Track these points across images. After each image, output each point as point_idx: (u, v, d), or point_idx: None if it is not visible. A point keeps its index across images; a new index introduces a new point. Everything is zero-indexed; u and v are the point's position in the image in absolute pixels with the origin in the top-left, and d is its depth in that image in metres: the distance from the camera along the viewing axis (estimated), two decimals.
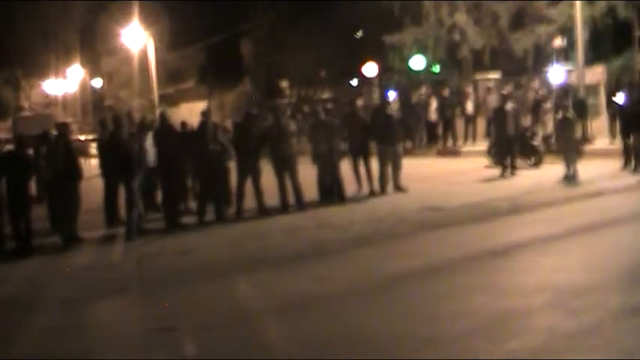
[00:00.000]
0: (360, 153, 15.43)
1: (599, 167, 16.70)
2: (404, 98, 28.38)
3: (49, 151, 13.18)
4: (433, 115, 25.19)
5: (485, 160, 19.04)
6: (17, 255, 11.89)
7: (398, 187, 15.61)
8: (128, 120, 14.11)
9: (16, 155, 12.86)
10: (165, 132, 13.97)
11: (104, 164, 14.01)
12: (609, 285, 7.84)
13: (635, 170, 15.80)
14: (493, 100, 22.21)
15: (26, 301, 8.93)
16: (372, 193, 15.29)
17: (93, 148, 34.30)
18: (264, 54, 41.64)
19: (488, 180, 16.80)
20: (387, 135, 15.50)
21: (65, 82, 60.41)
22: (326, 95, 38.48)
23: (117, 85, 50.78)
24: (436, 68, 30.84)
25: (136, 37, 39.90)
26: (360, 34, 37.60)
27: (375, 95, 31.46)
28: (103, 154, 14.32)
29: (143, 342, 7.03)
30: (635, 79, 20.12)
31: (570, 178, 15.17)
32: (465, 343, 6.35)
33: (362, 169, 15.48)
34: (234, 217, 13.80)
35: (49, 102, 63.46)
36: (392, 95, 29.92)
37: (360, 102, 19.90)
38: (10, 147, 13.69)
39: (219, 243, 11.68)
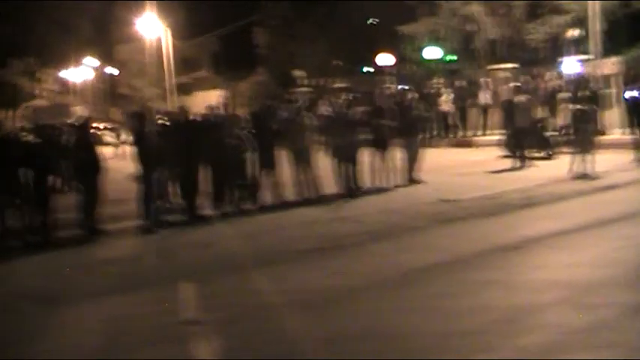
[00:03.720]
0: (381, 145, 15.58)
1: (612, 159, 16.78)
2: (417, 88, 28.49)
3: (69, 145, 13.40)
4: (447, 105, 25.30)
5: (499, 151, 19.17)
6: (39, 248, 12.11)
7: (414, 179, 15.81)
8: (150, 114, 14.27)
9: (37, 146, 13.03)
10: (186, 125, 14.18)
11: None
12: (620, 281, 7.98)
13: None
14: (506, 91, 22.30)
15: (49, 295, 9.12)
16: (394, 186, 15.42)
17: (108, 137, 34.68)
18: (278, 43, 41.75)
19: (502, 172, 16.96)
20: (406, 126, 15.69)
21: (80, 71, 60.75)
22: (341, 84, 38.59)
23: (131, 73, 51.06)
24: (451, 58, 30.92)
25: (151, 26, 40.13)
26: (373, 21, 37.65)
27: (392, 85, 31.56)
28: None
29: (167, 335, 7.24)
30: None
31: (583, 172, 15.25)
32: (479, 337, 6.52)
33: (381, 161, 15.62)
34: (251, 210, 14.00)
35: (64, 90, 63.86)
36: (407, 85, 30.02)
37: (379, 92, 20.01)
38: (28, 137, 13.77)
39: (238, 236, 11.88)
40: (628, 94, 18.33)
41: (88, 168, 12.89)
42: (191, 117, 14.77)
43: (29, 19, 51.26)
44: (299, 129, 14.68)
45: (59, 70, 62.14)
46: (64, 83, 64.40)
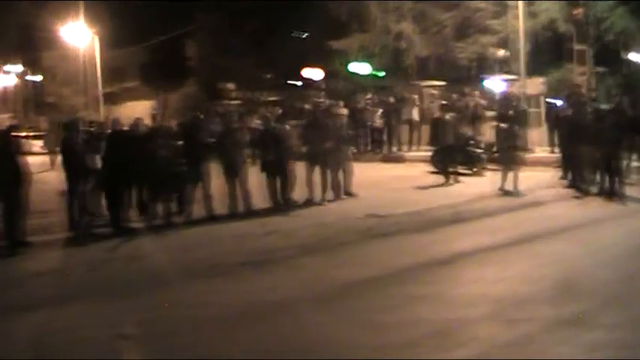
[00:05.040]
0: (316, 159, 15.63)
1: (538, 177, 17.23)
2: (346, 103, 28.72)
3: None
4: (377, 120, 25.55)
5: (427, 167, 19.49)
6: None
7: (348, 193, 15.95)
8: (78, 124, 14.05)
9: None
10: (117, 137, 14.02)
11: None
12: (545, 296, 8.25)
13: (573, 181, 16.28)
14: (435, 109, 22.70)
15: None
16: (325, 200, 15.52)
17: (35, 146, 33.95)
18: (209, 55, 41.56)
19: (432, 187, 17.24)
20: (338, 140, 15.82)
21: (3, 78, 59.30)
22: (271, 98, 38.62)
23: (58, 81, 50.10)
24: (380, 74, 31.28)
25: (80, 34, 39.52)
26: (300, 34, 37.82)
27: (324, 100, 31.80)
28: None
29: (97, 349, 7.13)
30: (577, 92, 20.74)
31: (509, 189, 15.60)
32: (412, 350, 6.65)
33: (312, 175, 15.68)
34: (183, 222, 13.90)
35: None
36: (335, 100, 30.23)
37: (313, 106, 20.13)
38: None
39: (169, 249, 11.78)
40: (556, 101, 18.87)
41: (11, 178, 12.55)
42: (120, 128, 14.58)
43: None
44: (230, 142, 14.66)
45: None
46: None
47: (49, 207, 14.32)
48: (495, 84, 25.68)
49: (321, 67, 34.99)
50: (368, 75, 30.98)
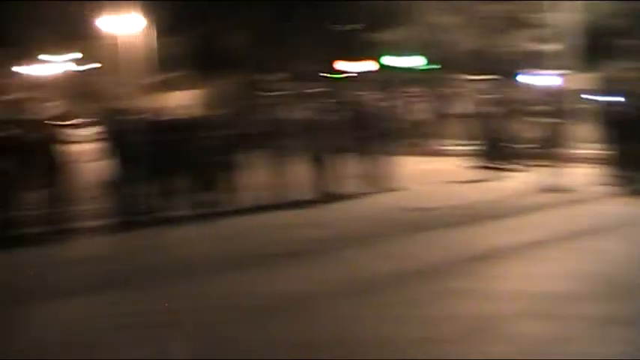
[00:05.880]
0: (360, 151, 15.54)
1: (584, 173, 16.93)
2: (394, 96, 28.59)
3: (39, 140, 13.19)
4: (422, 114, 25.38)
5: (472, 161, 19.29)
6: (3, 244, 11.84)
7: (390, 186, 15.89)
8: (128, 112, 14.14)
9: (8, 140, 12.79)
10: (164, 125, 14.12)
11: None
12: (589, 294, 8.10)
13: (620, 178, 15.97)
14: (480, 103, 22.44)
15: (14, 292, 8.98)
16: (365, 192, 15.47)
17: (81, 133, 34.40)
18: (256, 45, 41.70)
19: (475, 182, 17.05)
20: (383, 133, 15.78)
21: (54, 66, 60.24)
22: (316, 89, 38.60)
23: (108, 70, 50.68)
24: (425, 67, 31.09)
25: (129, 23, 39.89)
26: (353, 27, 37.74)
27: (370, 92, 31.66)
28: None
29: (133, 336, 7.18)
30: (631, 88, 20.30)
31: (554, 185, 15.39)
32: (450, 345, 6.58)
33: (356, 167, 15.65)
34: (226, 212, 13.93)
35: (37, 85, 63.30)
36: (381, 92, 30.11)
37: (358, 98, 20.09)
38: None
39: (211, 238, 11.84)
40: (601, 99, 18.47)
41: (55, 165, 12.73)
42: (169, 116, 14.65)
43: (6, 12, 50.76)
44: (276, 132, 14.68)
45: (31, 64, 61.55)
46: (37, 78, 63.83)
47: (93, 194, 14.47)
48: (543, 79, 25.30)
49: (366, 59, 34.88)
50: (414, 68, 30.80)
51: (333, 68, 38.37)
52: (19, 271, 10.11)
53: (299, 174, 15.02)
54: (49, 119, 14.61)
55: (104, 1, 42.94)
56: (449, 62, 28.75)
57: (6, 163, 12.32)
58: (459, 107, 25.29)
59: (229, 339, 7.02)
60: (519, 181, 16.80)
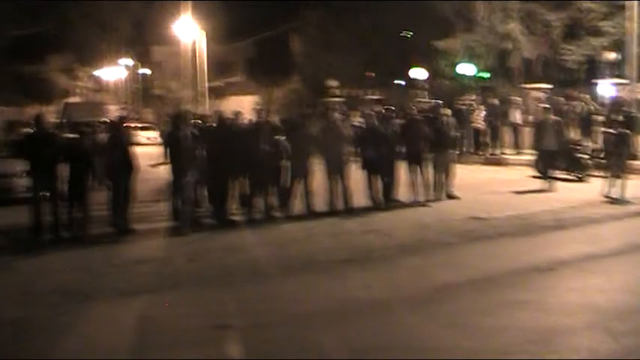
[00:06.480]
0: (415, 159, 15.57)
1: None
2: (450, 104, 28.46)
3: (103, 143, 13.51)
4: (479, 122, 25.22)
5: (529, 171, 19.12)
6: (71, 243, 12.23)
7: (450, 195, 15.82)
8: (185, 116, 14.33)
9: (75, 142, 13.17)
10: (222, 130, 14.30)
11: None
12: None
13: None
14: (540, 112, 22.23)
15: (81, 291, 9.19)
16: (426, 200, 15.45)
17: (142, 137, 34.93)
18: (314, 51, 41.89)
19: (534, 192, 16.88)
20: (440, 141, 15.71)
21: (115, 70, 61.40)
22: (374, 96, 38.63)
23: (166, 75, 51.48)
24: (485, 75, 30.87)
25: (187, 29, 40.46)
26: (406, 34, 37.67)
27: (426, 99, 31.54)
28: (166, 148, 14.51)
29: (195, 338, 7.32)
30: None
31: (615, 197, 15.12)
32: (509, 357, 6.55)
33: (414, 175, 15.62)
34: (283, 217, 14.06)
35: (99, 88, 64.58)
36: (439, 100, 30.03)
37: (414, 106, 20.00)
38: (67, 134, 14.00)
39: (268, 243, 11.95)
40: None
41: (121, 167, 13.02)
42: (224, 121, 14.82)
43: (69, 16, 51.96)
44: (333, 139, 14.71)
45: (95, 68, 62.83)
46: (99, 81, 65.10)
47: (154, 197, 14.71)
48: (605, 88, 24.92)
49: (426, 67, 34.80)
50: (473, 76, 30.62)
51: (392, 75, 38.33)
52: (91, 269, 10.37)
53: (359, 181, 15.05)
54: (117, 122, 14.95)
55: (165, 9, 43.70)
56: (511, 70, 28.53)
57: (79, 163, 12.63)
58: (521, 116, 25.07)
59: (288, 340, 7.10)
60: (581, 191, 16.58)
